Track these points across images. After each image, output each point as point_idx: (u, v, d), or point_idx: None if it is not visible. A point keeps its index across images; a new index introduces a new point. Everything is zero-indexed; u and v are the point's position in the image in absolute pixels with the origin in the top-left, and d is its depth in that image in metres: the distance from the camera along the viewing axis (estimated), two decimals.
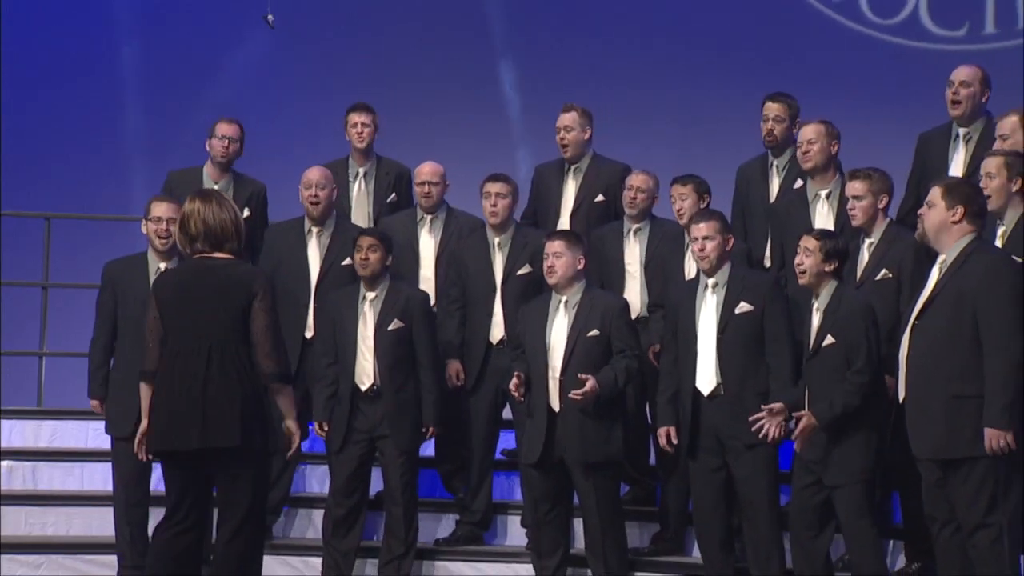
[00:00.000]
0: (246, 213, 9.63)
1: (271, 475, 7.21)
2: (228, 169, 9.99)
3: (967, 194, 7.31)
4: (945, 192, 7.29)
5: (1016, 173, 7.61)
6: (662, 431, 8.49)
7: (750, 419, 8.06)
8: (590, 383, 8.51)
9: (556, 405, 8.72)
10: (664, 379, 8.56)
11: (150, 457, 7.10)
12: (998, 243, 7.60)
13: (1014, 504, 7.08)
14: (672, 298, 8.65)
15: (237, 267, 6.88)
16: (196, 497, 6.88)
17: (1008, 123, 8.15)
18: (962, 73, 8.80)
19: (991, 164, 7.70)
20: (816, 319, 7.99)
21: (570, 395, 8.54)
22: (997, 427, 6.97)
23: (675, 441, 8.45)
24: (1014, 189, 7.62)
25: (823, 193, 8.87)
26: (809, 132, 8.92)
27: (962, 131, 8.79)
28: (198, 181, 9.76)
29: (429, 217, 9.77)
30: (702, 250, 8.39)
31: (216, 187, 9.76)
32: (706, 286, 8.41)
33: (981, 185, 7.66)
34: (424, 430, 9.18)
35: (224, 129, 9.94)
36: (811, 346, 7.99)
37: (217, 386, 6.77)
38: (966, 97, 8.74)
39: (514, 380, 8.75)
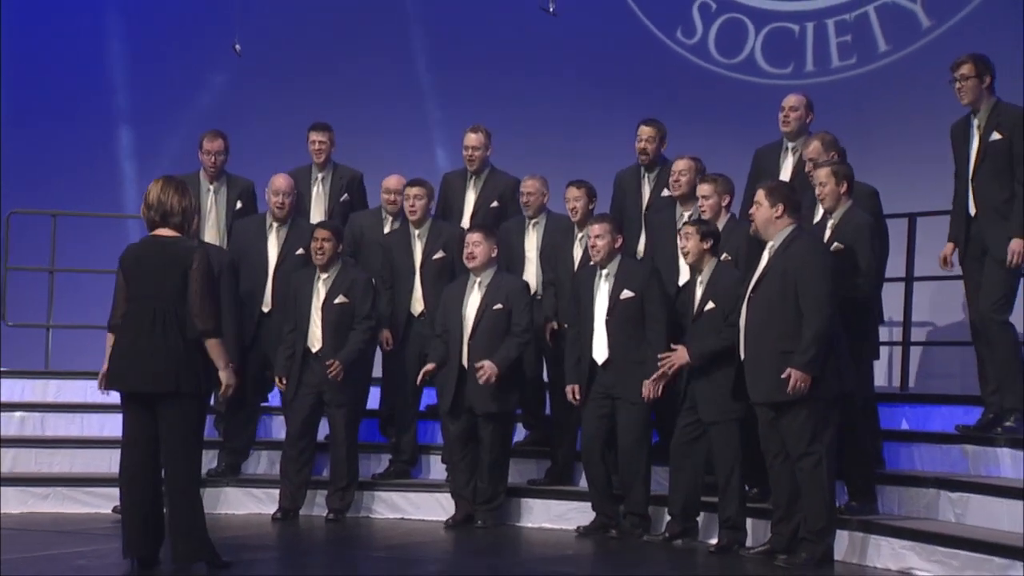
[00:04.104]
0: (239, 205, 10.11)
1: (205, 413, 7.43)
2: (220, 176, 10.20)
3: (785, 194, 7.82)
4: (768, 194, 7.75)
5: (842, 178, 8.06)
6: (569, 388, 8.95)
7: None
8: (488, 365, 9.03)
9: (466, 363, 9.22)
10: (571, 347, 9.01)
11: (107, 393, 7.49)
12: (828, 233, 8.02)
13: (831, 437, 7.58)
14: (575, 281, 9.06)
15: (179, 243, 7.26)
16: (148, 424, 7.19)
17: (813, 148, 8.51)
18: (791, 100, 9.18)
19: (821, 174, 8.10)
20: (699, 291, 8.38)
21: (476, 373, 9.08)
22: (801, 371, 7.50)
23: (579, 396, 8.91)
24: (842, 191, 8.06)
25: (687, 215, 9.03)
26: (681, 165, 9.13)
27: (791, 145, 9.15)
28: (195, 184, 9.96)
29: (390, 219, 10.10)
30: (594, 246, 8.83)
31: (211, 189, 10.10)
32: (600, 276, 8.88)
33: (816, 192, 8.12)
34: (329, 363, 9.33)
35: (209, 145, 10.11)
36: (695, 311, 8.36)
37: (157, 341, 7.11)
38: (794, 119, 9.11)
39: (424, 368, 9.32)
